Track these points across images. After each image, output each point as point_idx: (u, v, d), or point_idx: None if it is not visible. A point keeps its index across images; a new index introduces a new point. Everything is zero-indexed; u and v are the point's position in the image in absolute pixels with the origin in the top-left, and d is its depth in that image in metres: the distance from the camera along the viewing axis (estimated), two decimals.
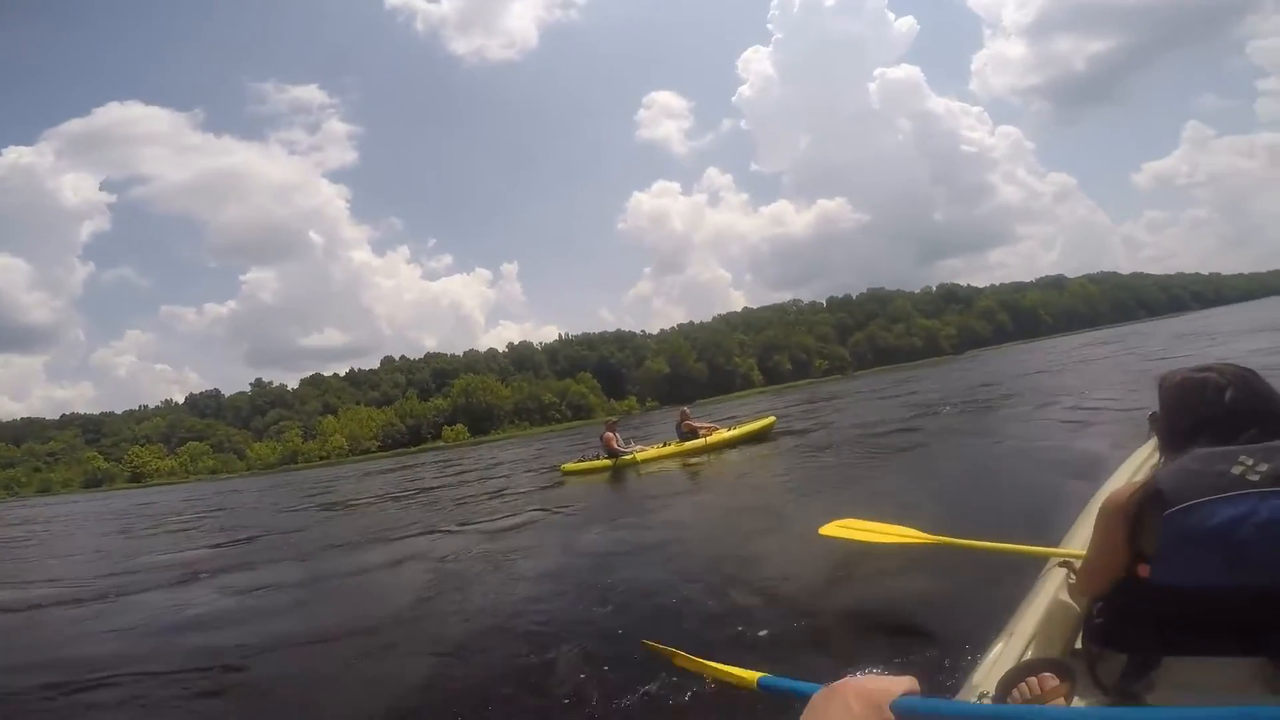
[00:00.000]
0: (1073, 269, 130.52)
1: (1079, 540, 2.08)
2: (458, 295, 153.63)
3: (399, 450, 66.95)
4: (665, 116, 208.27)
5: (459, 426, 73.65)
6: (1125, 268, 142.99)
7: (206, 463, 73.47)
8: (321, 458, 68.78)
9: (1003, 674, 1.37)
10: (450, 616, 4.20)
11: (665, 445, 11.20)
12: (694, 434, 11.22)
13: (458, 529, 7.60)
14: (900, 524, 2.88)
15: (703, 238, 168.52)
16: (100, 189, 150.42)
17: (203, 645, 4.30)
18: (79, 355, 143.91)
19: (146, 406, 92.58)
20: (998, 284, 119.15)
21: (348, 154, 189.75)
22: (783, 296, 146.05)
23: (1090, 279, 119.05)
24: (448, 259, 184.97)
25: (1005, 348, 70.57)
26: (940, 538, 2.67)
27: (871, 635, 2.86)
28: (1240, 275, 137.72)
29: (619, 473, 10.36)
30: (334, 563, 6.97)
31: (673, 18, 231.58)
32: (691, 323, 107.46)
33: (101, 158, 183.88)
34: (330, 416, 77.64)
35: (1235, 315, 39.44)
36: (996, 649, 1.56)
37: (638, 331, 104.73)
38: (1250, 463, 1.17)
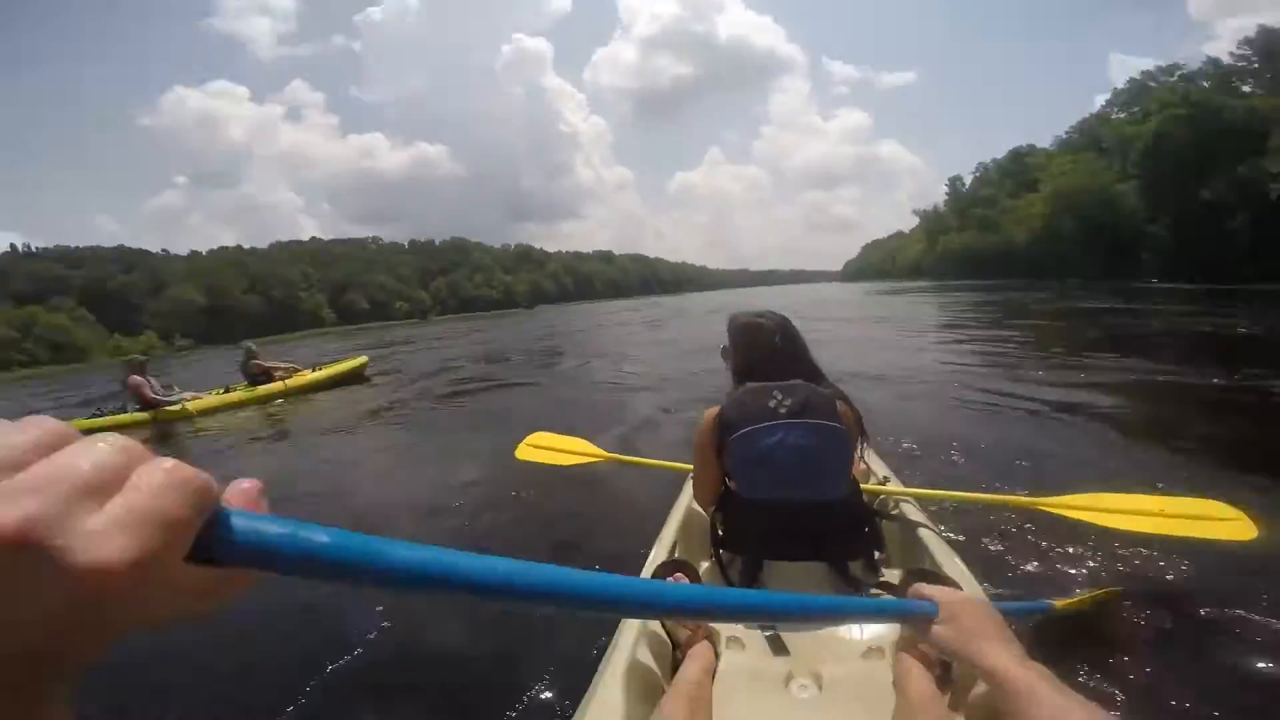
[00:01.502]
0: (620, 247, 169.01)
1: None
2: None
3: None
4: (260, 12, 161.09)
5: None
6: (652, 252, 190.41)
7: None
8: None
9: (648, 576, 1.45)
10: None
11: (228, 391, 8.88)
12: (268, 376, 9.22)
13: None
14: (579, 438, 2.95)
15: (270, 154, 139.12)
16: None
17: None
18: None
19: None
20: (564, 251, 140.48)
21: None
22: (364, 232, 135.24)
23: (631, 258, 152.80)
24: None
25: (568, 306, 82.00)
26: (615, 455, 2.84)
27: (555, 553, 2.92)
28: (718, 270, 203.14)
29: (165, 428, 7.65)
30: None
31: None
32: (241, 247, 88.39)
33: None
34: None
35: (710, 299, 57.19)
36: (652, 554, 1.67)
37: (156, 250, 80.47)
38: (780, 397, 1.47)
